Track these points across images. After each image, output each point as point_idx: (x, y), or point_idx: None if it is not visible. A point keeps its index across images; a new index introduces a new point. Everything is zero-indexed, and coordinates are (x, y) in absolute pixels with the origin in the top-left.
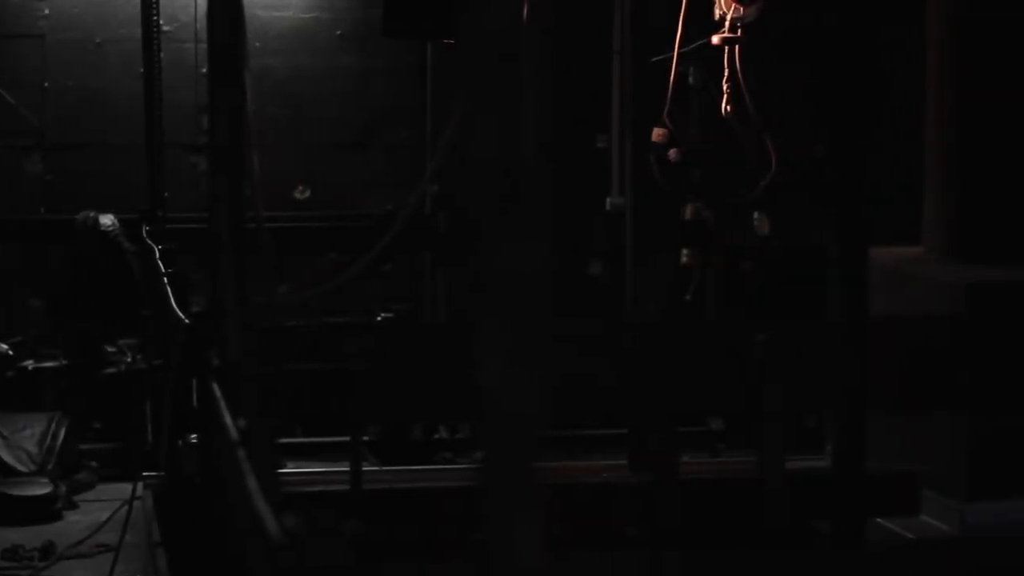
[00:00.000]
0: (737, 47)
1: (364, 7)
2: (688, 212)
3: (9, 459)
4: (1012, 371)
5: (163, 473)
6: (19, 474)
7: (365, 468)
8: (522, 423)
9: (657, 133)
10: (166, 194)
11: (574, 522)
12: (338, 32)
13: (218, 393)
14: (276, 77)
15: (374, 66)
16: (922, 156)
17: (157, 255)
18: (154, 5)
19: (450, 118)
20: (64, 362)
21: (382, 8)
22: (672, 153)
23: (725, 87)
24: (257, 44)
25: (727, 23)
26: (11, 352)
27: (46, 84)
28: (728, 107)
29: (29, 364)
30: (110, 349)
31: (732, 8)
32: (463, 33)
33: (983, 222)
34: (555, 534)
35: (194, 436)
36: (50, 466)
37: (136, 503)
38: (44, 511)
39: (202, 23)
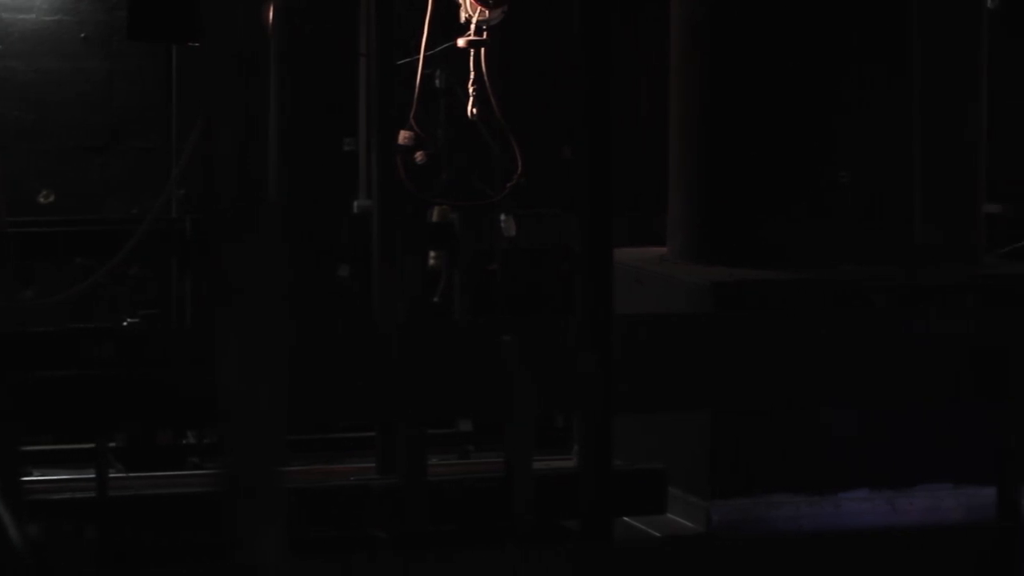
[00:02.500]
0: (483, 50)
1: (109, 10)
2: (435, 214)
3: None
4: (755, 370)
5: None
6: None
7: (112, 475)
8: (263, 426)
9: (403, 136)
10: None
11: (322, 525)
12: (82, 35)
13: None
14: (19, 80)
15: (120, 69)
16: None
17: None
18: None
19: (196, 121)
20: None
21: (127, 11)
22: (418, 156)
23: (471, 90)
24: None
25: (472, 26)
26: None
27: None
28: (474, 110)
29: None
30: None
31: (477, 11)
32: (206, 36)
33: (726, 223)
34: (302, 537)
35: None
36: None
37: None
38: None
39: None
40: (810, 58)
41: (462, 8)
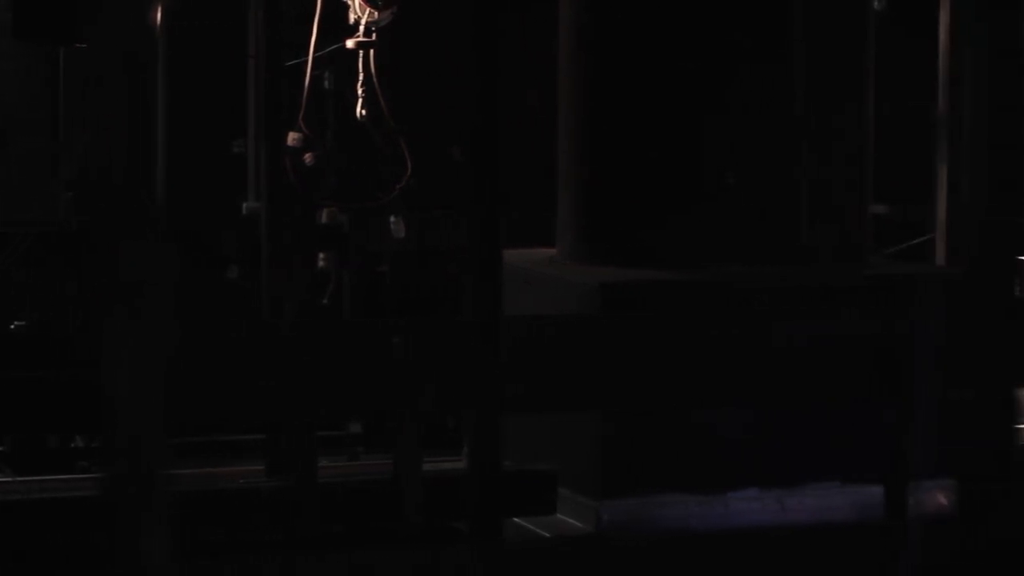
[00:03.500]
0: (372, 51)
1: None
2: (324, 216)
3: None
4: (644, 371)
5: None
6: None
7: None
8: (147, 428)
9: (292, 137)
10: None
11: (211, 528)
12: None
13: None
14: None
15: (5, 69)
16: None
17: None
18: None
19: (83, 123)
20: None
21: (12, 11)
22: (307, 157)
23: (360, 91)
24: None
25: (361, 27)
26: None
27: None
28: (363, 111)
29: None
30: None
31: (366, 13)
32: (92, 36)
33: (614, 224)
34: (190, 541)
35: None
36: None
37: None
38: None
39: None
40: (695, 59)
41: (351, 9)
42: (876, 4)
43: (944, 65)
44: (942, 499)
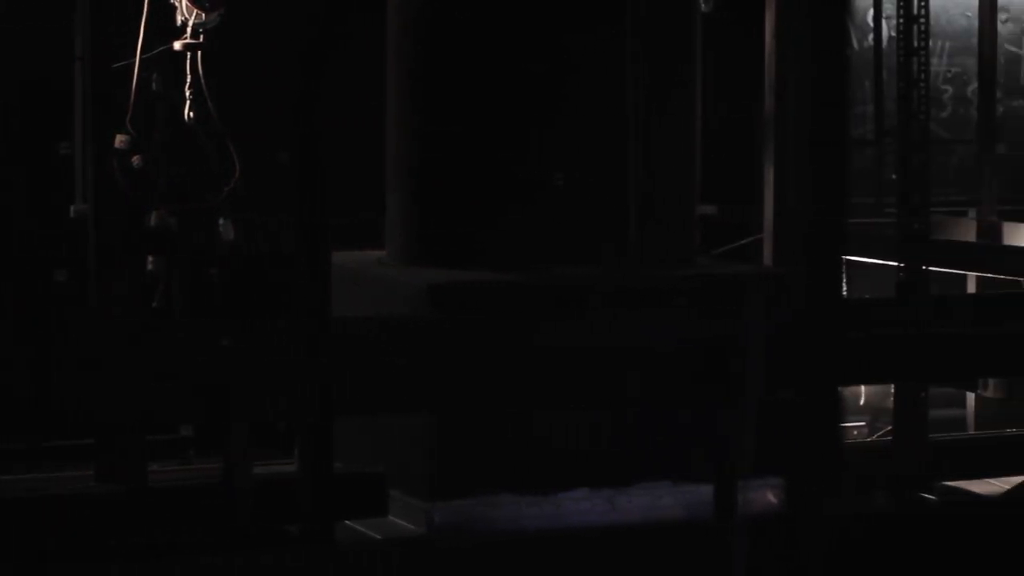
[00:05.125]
0: (199, 53)
1: None
2: (153, 219)
3: None
4: (474, 372)
5: None
6: None
7: None
8: None
9: (119, 139)
10: None
11: (40, 535)
12: None
13: None
14: None
15: None
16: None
17: None
18: None
19: None
20: None
21: None
22: (135, 159)
23: (188, 93)
24: None
25: (189, 29)
26: None
27: None
28: (191, 113)
29: None
30: None
31: (193, 14)
32: None
33: (442, 225)
34: (18, 547)
35: None
36: None
37: None
38: None
39: None
40: (524, 61)
41: (178, 11)
42: (704, 7)
43: (769, 66)
44: (771, 497)
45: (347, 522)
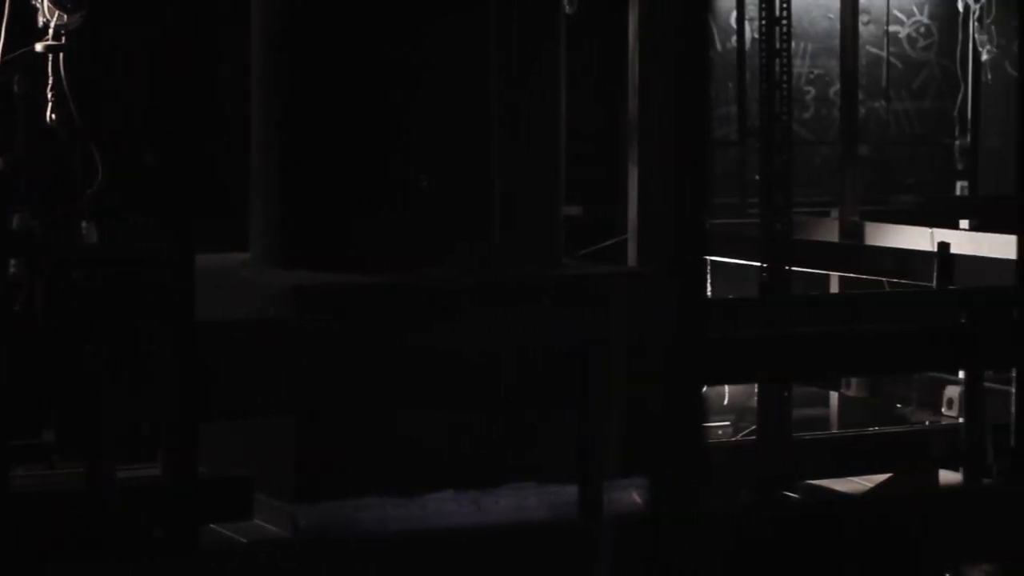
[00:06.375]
0: (61, 54)
1: None
2: (15, 222)
3: None
4: (336, 374)
5: None
6: None
7: None
8: None
9: None
10: None
11: None
12: None
13: None
14: None
15: None
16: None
17: None
18: None
19: None
20: None
21: None
22: None
23: (50, 95)
24: None
25: (51, 30)
26: None
27: None
28: (52, 115)
29: None
30: None
31: (55, 15)
32: None
33: (307, 227)
34: None
35: None
36: None
37: None
38: None
39: None
40: (386, 64)
41: (40, 12)
42: (568, 9)
43: (633, 68)
44: (636, 498)
45: (212, 526)
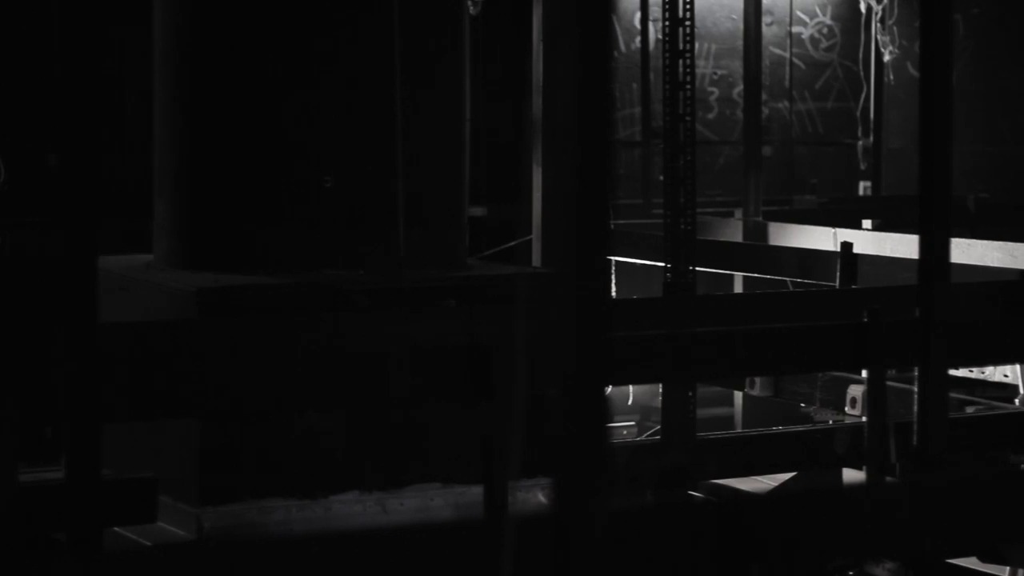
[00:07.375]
0: None
1: None
2: None
3: None
4: (241, 375)
5: None
6: None
7: None
8: None
9: None
10: None
11: None
12: None
13: None
14: None
15: None
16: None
17: None
18: None
19: None
20: None
21: None
22: None
23: None
24: None
25: None
26: None
27: None
28: None
29: None
30: None
31: None
32: None
33: (210, 228)
34: None
35: None
36: None
37: None
38: None
39: None
40: (288, 62)
41: None
42: (472, 9)
43: (537, 67)
44: (541, 497)
45: (116, 529)
